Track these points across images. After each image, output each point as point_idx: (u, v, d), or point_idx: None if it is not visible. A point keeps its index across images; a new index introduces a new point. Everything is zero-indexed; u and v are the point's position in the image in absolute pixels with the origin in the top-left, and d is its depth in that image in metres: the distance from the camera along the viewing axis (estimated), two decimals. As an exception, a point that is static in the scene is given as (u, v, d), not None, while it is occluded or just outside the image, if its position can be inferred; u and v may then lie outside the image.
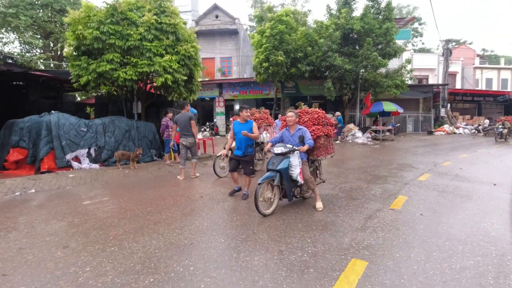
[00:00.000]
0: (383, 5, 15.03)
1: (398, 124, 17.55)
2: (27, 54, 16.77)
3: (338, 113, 14.36)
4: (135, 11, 7.29)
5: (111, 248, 2.76)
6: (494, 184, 5.47)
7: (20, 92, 11.50)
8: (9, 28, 13.79)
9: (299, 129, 4.00)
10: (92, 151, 6.64)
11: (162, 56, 7.06)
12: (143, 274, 2.32)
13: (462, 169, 7.14)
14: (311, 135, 4.02)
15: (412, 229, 3.34)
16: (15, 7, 12.94)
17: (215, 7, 22.12)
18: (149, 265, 2.47)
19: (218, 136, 16.28)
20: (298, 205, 4.19)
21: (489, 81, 28.67)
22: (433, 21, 62.70)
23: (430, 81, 25.30)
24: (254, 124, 4.44)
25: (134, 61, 6.83)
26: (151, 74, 7.45)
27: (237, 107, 20.90)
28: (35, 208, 4.14)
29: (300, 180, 3.76)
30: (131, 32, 6.81)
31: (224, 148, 4.82)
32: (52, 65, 16.77)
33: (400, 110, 14.83)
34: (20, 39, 15.12)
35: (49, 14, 15.52)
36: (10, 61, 12.38)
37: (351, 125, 14.90)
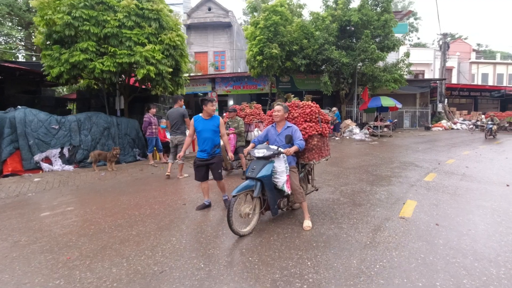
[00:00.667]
0: (381, -4, 14.44)
1: (396, 120, 17.19)
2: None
3: (334, 109, 13.84)
4: (112, -6, 6.53)
5: (55, 282, 2.15)
6: (507, 185, 5.04)
7: (-5, 86, 10.63)
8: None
9: (288, 127, 3.29)
10: (65, 151, 5.95)
11: (144, 45, 6.37)
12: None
13: (468, 167, 6.75)
14: (302, 134, 3.32)
15: (430, 245, 2.81)
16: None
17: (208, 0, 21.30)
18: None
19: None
20: (295, 213, 3.63)
21: (485, 76, 28.51)
22: (436, 12, 62.47)
23: (426, 76, 25.02)
24: (221, 121, 3.69)
25: (112, 50, 6.12)
26: (134, 65, 6.74)
27: (231, 102, 20.22)
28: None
29: (286, 190, 3.07)
30: (108, 18, 6.08)
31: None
32: (34, 58, 15.79)
33: (399, 105, 14.41)
34: (-1, 30, 14.13)
35: (27, 2, 14.51)
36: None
37: (349, 121, 14.41)
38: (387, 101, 13.93)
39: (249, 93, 18.38)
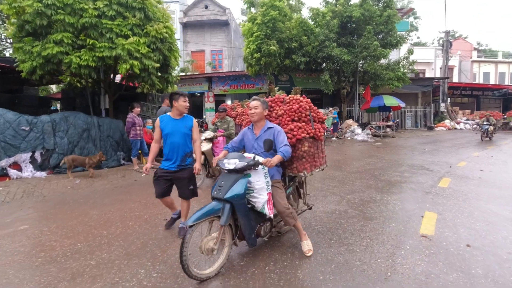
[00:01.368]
0: (383, -10, 13.90)
1: (398, 120, 16.68)
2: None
3: (331, 109, 13.24)
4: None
5: None
6: (533, 192, 4.47)
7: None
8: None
9: (269, 128, 2.51)
10: (37, 155, 5.31)
11: (127, 37, 5.74)
12: None
13: (483, 170, 6.25)
14: (288, 138, 2.56)
15: (468, 277, 2.21)
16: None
17: (205, -3, 20.78)
18: None
19: (206, 134, 14.99)
20: (294, 231, 3.02)
21: (486, 75, 28.07)
22: (436, 11, 62.23)
23: (427, 75, 24.53)
24: (195, 123, 2.90)
25: (90, 43, 5.49)
26: (118, 60, 6.08)
27: (229, 102, 19.63)
28: None
29: (268, 212, 2.30)
30: (86, 7, 5.45)
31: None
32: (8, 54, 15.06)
33: (402, 105, 13.90)
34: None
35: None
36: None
37: (350, 121, 13.84)
38: (390, 100, 13.40)
39: (247, 92, 17.80)
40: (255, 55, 12.80)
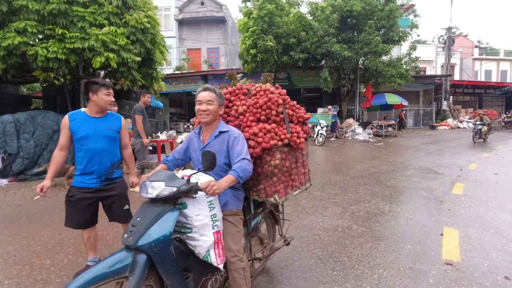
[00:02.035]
0: (385, -17, 13.29)
1: (399, 119, 16.12)
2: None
3: (330, 107, 12.63)
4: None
5: None
6: None
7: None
8: None
9: (221, 132, 1.65)
10: (-3, 160, 4.68)
11: (102, 27, 5.11)
12: None
13: (498, 174, 5.73)
14: (251, 147, 1.69)
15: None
16: None
17: (201, -7, 20.19)
18: None
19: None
20: (270, 272, 2.42)
21: (488, 73, 27.58)
22: (436, 8, 61.66)
23: (428, 73, 24.00)
24: (124, 123, 2.18)
25: (59, 33, 4.85)
26: (93, 52, 5.44)
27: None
28: None
29: (214, 261, 1.49)
30: (54, -8, 4.82)
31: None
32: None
33: (405, 103, 13.36)
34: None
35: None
36: None
37: (351, 120, 13.25)
38: (392, 98, 12.83)
39: (243, 91, 17.22)
40: (251, 51, 12.19)
